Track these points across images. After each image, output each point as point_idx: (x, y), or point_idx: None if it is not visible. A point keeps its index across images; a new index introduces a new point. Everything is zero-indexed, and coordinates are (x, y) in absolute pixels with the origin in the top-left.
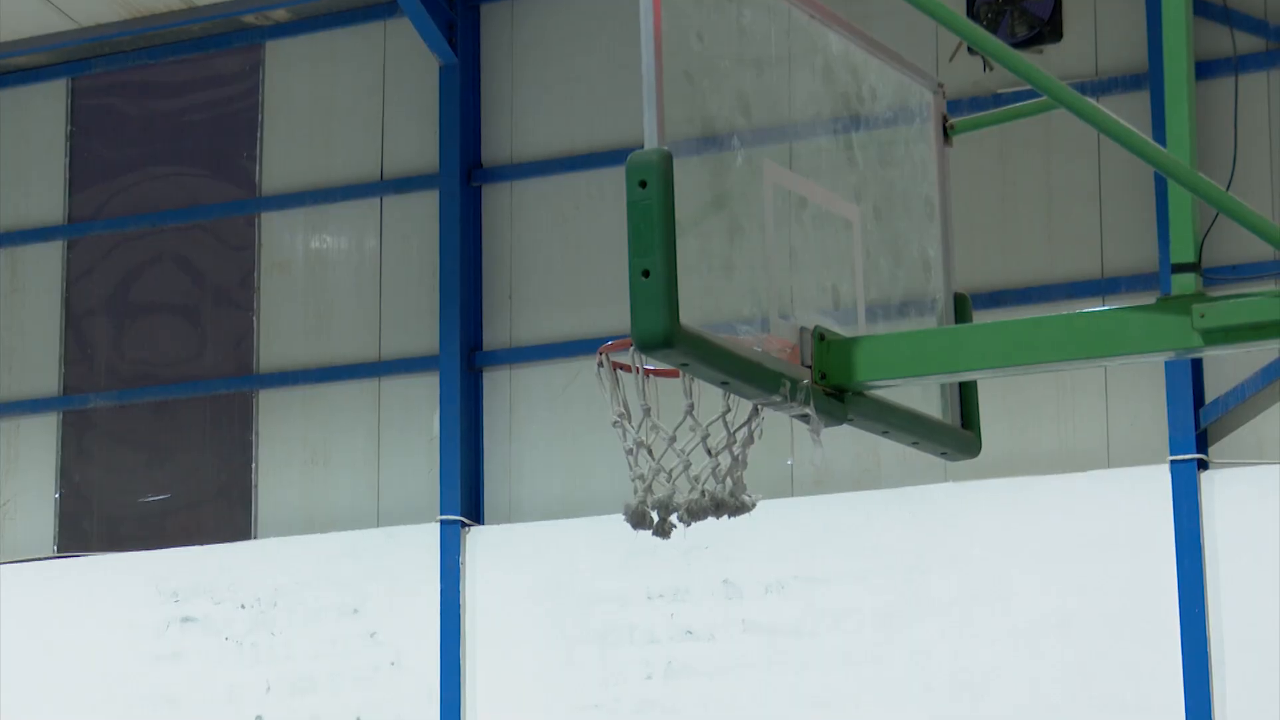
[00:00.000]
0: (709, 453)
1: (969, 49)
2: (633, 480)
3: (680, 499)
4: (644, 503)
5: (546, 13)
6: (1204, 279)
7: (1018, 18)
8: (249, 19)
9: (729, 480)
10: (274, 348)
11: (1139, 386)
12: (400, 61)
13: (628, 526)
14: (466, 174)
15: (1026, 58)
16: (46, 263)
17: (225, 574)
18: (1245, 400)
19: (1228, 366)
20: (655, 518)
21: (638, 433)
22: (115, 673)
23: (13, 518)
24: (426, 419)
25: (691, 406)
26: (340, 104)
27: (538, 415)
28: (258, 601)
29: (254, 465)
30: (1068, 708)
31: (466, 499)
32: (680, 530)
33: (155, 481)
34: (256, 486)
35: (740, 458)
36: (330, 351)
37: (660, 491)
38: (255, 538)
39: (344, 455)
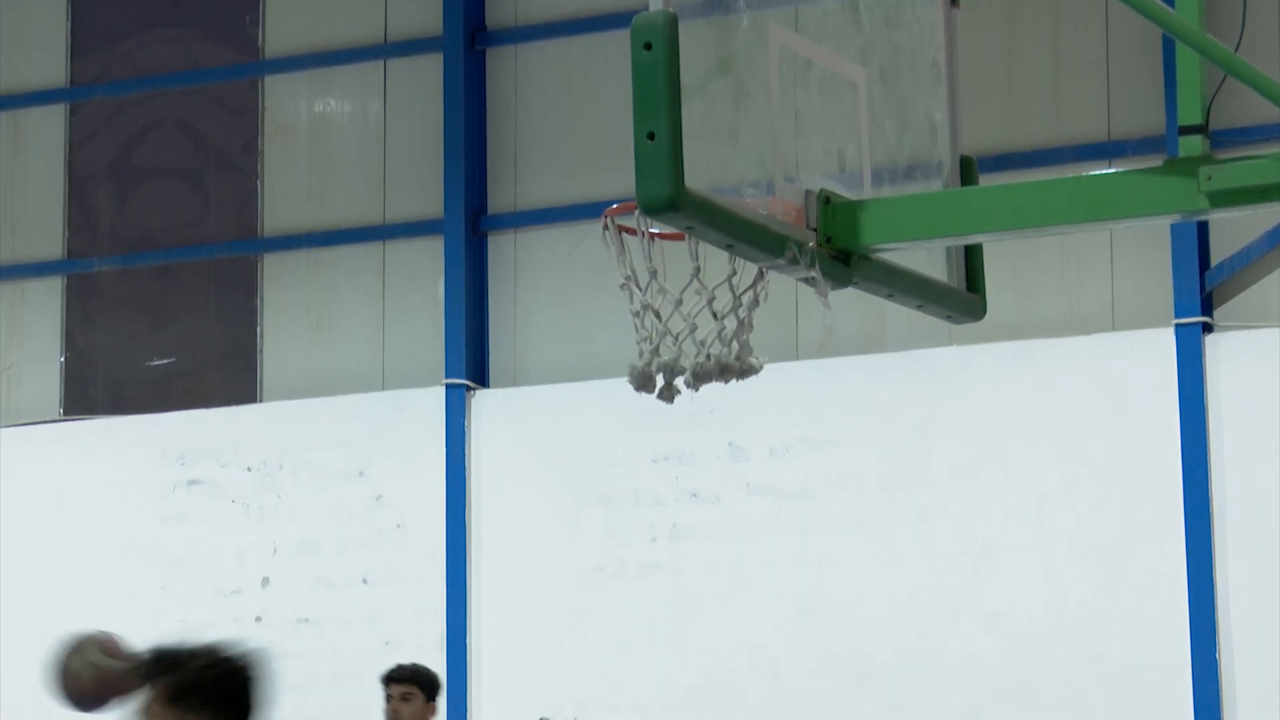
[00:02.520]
0: (714, 316)
1: None
2: (638, 344)
3: (686, 362)
4: (649, 366)
5: None
6: (1211, 141)
7: None
8: None
9: (734, 343)
10: (277, 212)
11: (1144, 249)
12: None
13: (632, 390)
14: (470, 37)
15: None
16: (48, 127)
17: (231, 437)
18: (1251, 263)
19: (1234, 229)
20: (660, 381)
21: (644, 296)
22: (121, 535)
23: (17, 382)
24: (431, 283)
25: (697, 270)
26: None
27: (543, 279)
28: (264, 464)
29: (259, 329)
30: (1071, 572)
31: (471, 363)
32: (685, 394)
33: (160, 346)
34: (261, 350)
35: (746, 321)
36: (334, 216)
37: (666, 355)
38: (260, 401)
39: (349, 319)
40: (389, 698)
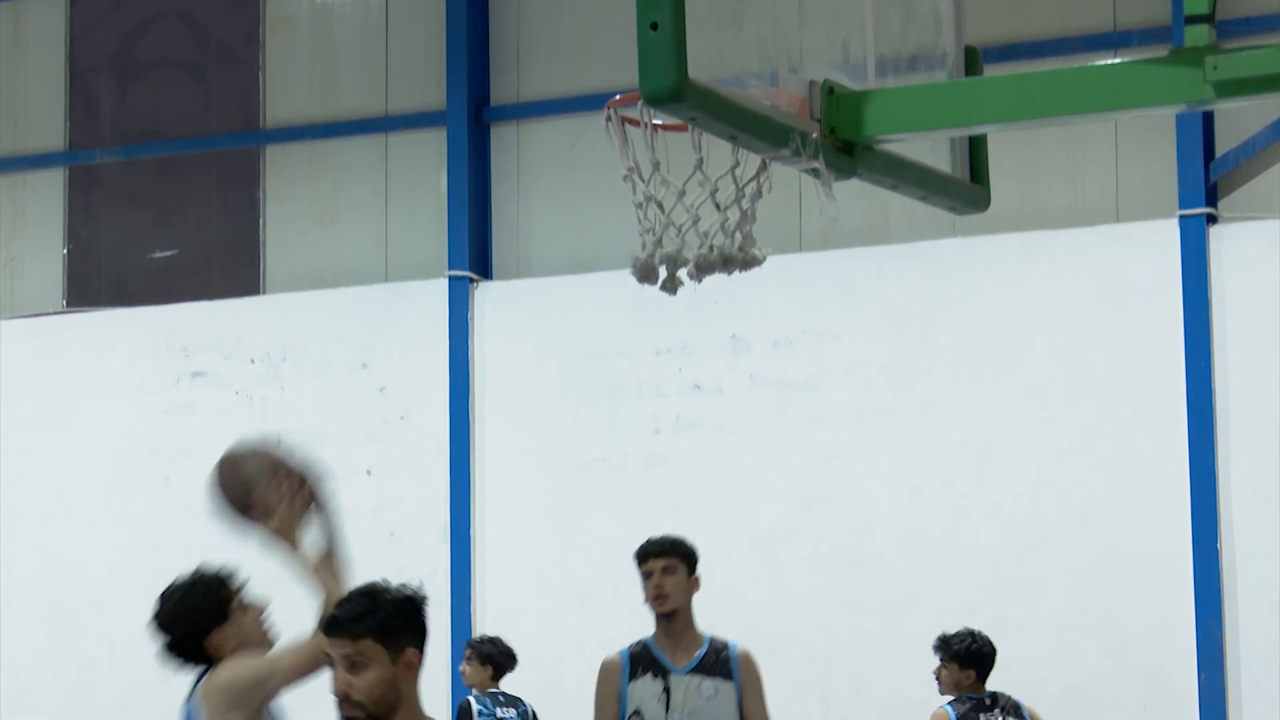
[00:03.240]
0: (717, 207)
1: None
2: (641, 235)
3: (689, 254)
4: (652, 258)
5: None
6: (1217, 31)
7: None
8: None
9: (737, 235)
10: (279, 104)
11: (1149, 140)
12: None
13: (635, 282)
14: None
15: None
16: (49, 18)
17: (234, 329)
18: (1256, 154)
19: (1239, 120)
20: (663, 273)
21: (646, 187)
22: (126, 427)
23: (20, 273)
24: (434, 175)
25: (700, 161)
26: None
27: (546, 171)
28: (267, 356)
29: (261, 221)
30: (1073, 464)
31: (474, 255)
32: (688, 285)
33: (163, 238)
34: (264, 242)
35: (749, 212)
36: (336, 107)
37: (669, 246)
38: (263, 293)
39: (351, 211)
40: (648, 575)
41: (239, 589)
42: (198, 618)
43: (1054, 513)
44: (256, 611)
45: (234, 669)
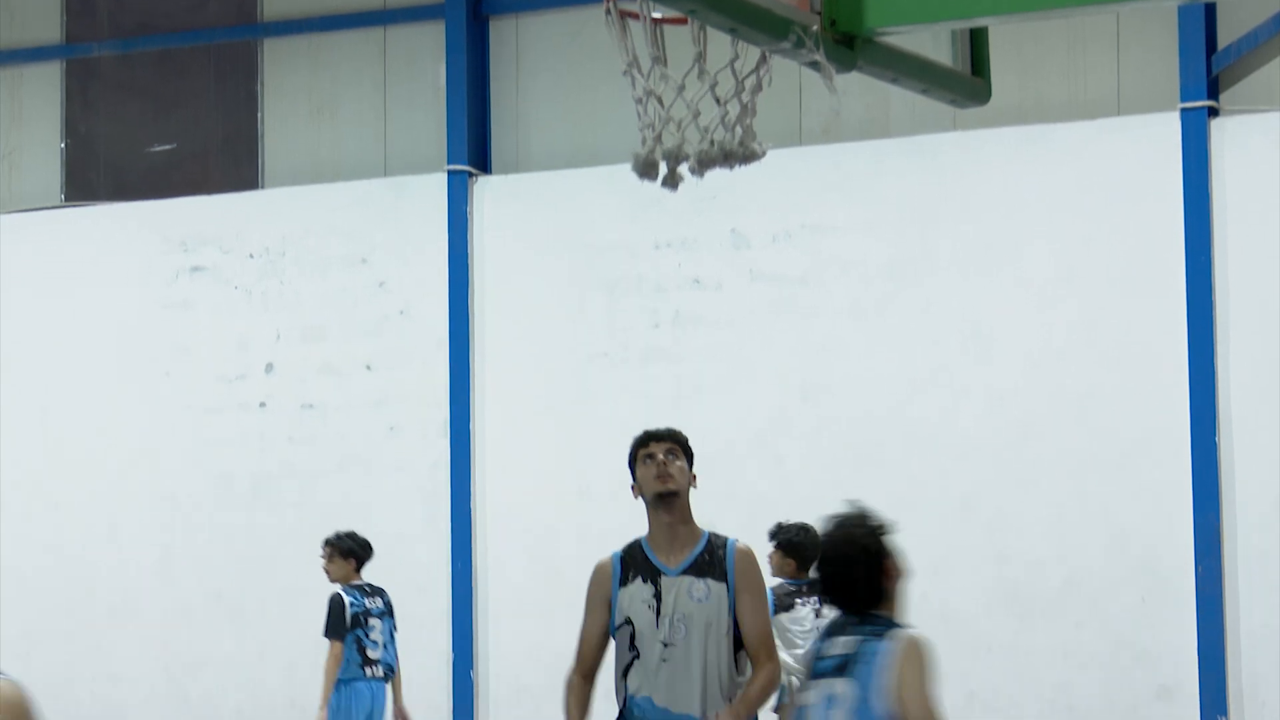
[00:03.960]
0: (718, 101)
1: None
2: (641, 130)
3: (689, 148)
4: (652, 152)
5: None
6: None
7: None
8: None
9: (737, 129)
10: None
11: (1151, 33)
12: None
13: (635, 176)
14: None
15: None
16: None
17: (233, 224)
18: (1257, 46)
19: (1241, 12)
20: (663, 167)
21: (646, 82)
22: (126, 322)
23: (18, 167)
24: (433, 68)
25: (700, 55)
26: None
27: (545, 65)
28: (266, 251)
29: (259, 115)
30: (1072, 356)
31: (473, 149)
32: (688, 180)
33: (161, 132)
34: (262, 137)
35: (749, 106)
36: (334, 0)
37: (669, 141)
38: (262, 188)
39: (350, 105)
40: (650, 457)
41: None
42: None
43: (1052, 405)
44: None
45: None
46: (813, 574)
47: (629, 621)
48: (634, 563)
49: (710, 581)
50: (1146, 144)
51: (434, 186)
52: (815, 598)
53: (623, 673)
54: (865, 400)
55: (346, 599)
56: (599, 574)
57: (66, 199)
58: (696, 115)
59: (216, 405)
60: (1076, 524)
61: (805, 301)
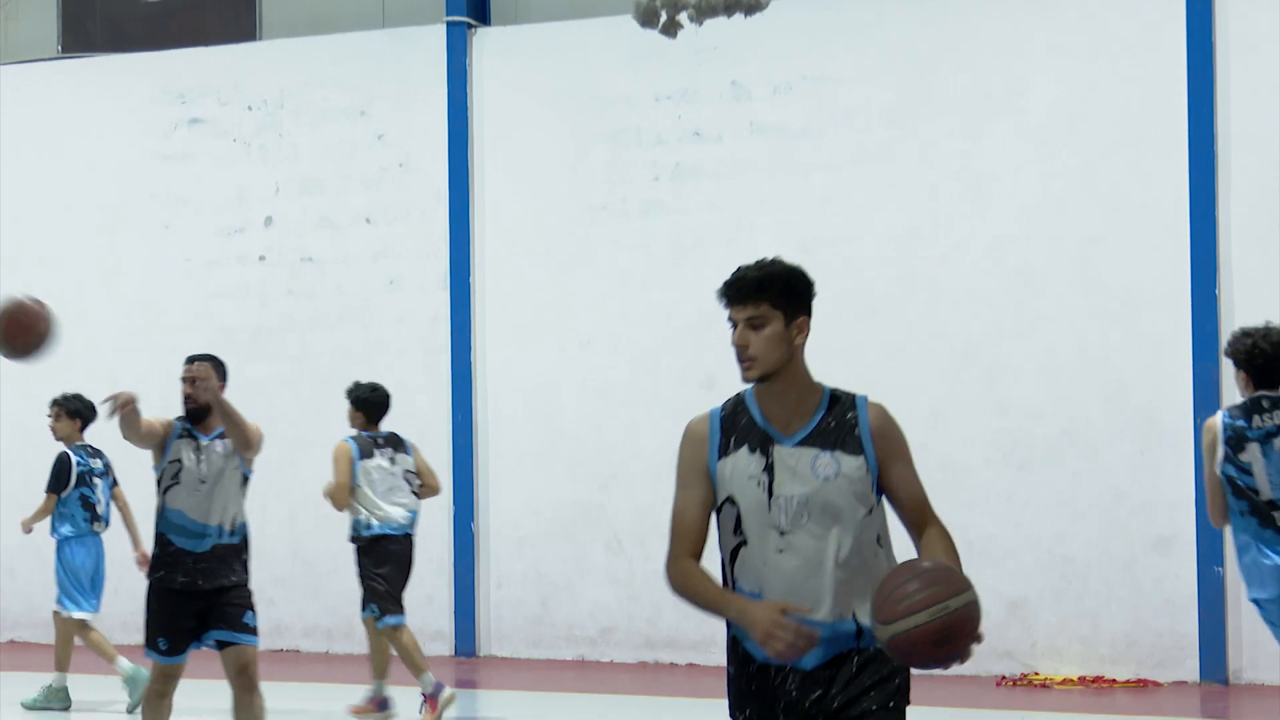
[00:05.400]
0: None
1: None
2: None
3: None
4: (654, 1)
5: None
6: None
7: None
8: None
9: None
10: None
11: None
12: None
13: (636, 26)
14: None
15: None
16: None
17: (231, 75)
18: None
19: None
20: (664, 16)
21: None
22: (124, 174)
23: (14, 18)
24: None
25: None
26: None
27: None
28: (264, 103)
29: None
30: (1072, 205)
31: (472, 0)
32: (689, 29)
33: None
34: None
35: None
36: None
37: None
38: (260, 39)
39: None
40: (731, 322)
41: None
42: None
43: (1052, 255)
44: None
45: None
46: (383, 428)
47: (732, 501)
48: (737, 426)
49: (841, 455)
50: None
51: (433, 38)
52: (390, 448)
53: (730, 557)
54: (865, 251)
55: (74, 458)
56: (692, 438)
57: (63, 50)
58: None
59: (216, 258)
60: (1075, 374)
61: (805, 152)
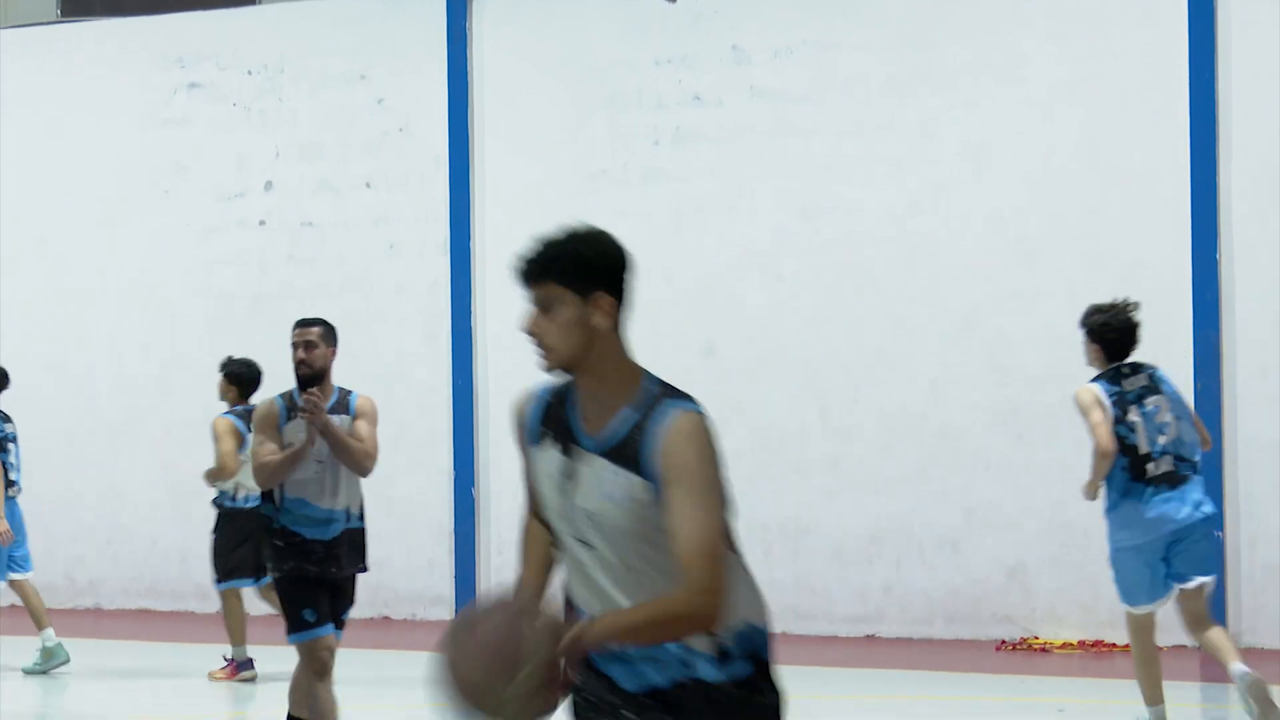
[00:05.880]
0: None
1: None
2: None
3: None
4: None
5: None
6: None
7: None
8: None
9: None
10: None
11: None
12: None
13: None
14: None
15: None
16: None
17: (230, 40)
18: None
19: None
20: None
21: None
22: (123, 139)
23: None
24: None
25: None
26: None
27: None
28: (264, 68)
29: None
30: (1074, 176)
31: None
32: None
33: None
34: None
35: None
36: None
37: None
38: (259, 3)
39: None
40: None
41: None
42: None
43: (1053, 224)
44: None
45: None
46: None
47: (541, 494)
48: (555, 416)
49: (629, 474)
50: None
51: (433, 2)
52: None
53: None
54: (865, 219)
55: None
56: (516, 416)
57: (62, 15)
58: None
59: (215, 224)
60: (1076, 343)
61: (806, 119)
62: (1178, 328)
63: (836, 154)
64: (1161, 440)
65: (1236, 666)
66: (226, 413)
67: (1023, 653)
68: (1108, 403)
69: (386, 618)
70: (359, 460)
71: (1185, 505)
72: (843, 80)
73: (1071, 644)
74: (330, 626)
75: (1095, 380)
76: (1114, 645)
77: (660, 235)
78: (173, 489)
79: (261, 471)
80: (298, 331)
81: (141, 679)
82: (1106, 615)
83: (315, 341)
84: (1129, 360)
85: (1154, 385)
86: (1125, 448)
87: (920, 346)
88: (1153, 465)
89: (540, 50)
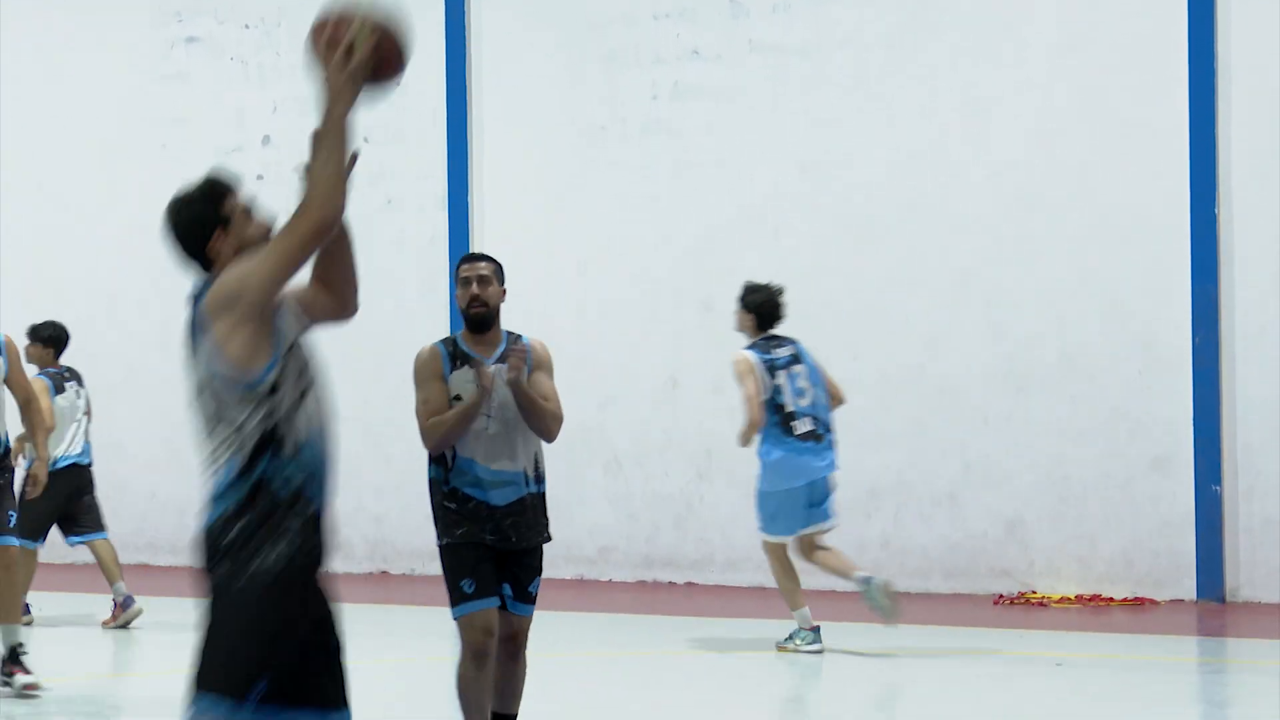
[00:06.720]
0: None
1: None
2: None
3: None
4: None
5: None
6: None
7: None
8: None
9: None
10: None
11: None
12: None
13: None
14: None
15: None
16: None
17: None
18: None
19: None
20: None
21: None
22: (120, 94)
23: None
24: None
25: None
26: None
27: None
28: (262, 22)
29: None
30: (1073, 130)
31: None
32: None
33: None
34: None
35: None
36: None
37: None
38: None
39: None
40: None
41: (240, 194)
42: (200, 225)
43: (1051, 178)
44: (258, 217)
45: (224, 274)
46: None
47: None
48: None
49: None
50: None
51: None
52: (74, 381)
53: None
54: (863, 173)
55: None
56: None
57: None
58: None
59: None
60: (1074, 297)
61: (805, 73)
62: (1176, 282)
63: (835, 108)
64: (802, 403)
65: (860, 574)
66: (40, 373)
67: (1020, 607)
68: (761, 369)
69: (385, 572)
70: (547, 424)
71: (822, 461)
72: (842, 35)
73: (1069, 598)
74: (494, 600)
75: (749, 348)
76: (1111, 599)
77: (658, 190)
78: (171, 443)
79: (433, 433)
80: (466, 266)
81: (141, 633)
82: (1104, 569)
83: (489, 277)
84: (774, 333)
85: (797, 357)
86: (774, 406)
87: (919, 301)
88: (798, 423)
89: (537, 5)
